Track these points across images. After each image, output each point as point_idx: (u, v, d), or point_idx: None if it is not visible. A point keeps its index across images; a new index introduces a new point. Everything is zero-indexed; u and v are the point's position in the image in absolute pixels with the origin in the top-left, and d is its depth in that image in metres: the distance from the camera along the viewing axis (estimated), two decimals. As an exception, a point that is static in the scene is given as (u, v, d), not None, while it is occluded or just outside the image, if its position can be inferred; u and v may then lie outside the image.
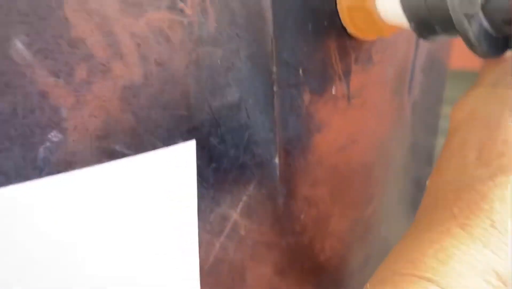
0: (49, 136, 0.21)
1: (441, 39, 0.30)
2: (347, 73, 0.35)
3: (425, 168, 0.57)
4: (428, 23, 0.29)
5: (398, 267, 0.19)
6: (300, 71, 0.31)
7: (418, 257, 0.19)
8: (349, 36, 0.34)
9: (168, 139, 0.25)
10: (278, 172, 0.32)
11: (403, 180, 0.52)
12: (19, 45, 0.19)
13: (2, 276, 0.20)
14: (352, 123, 0.38)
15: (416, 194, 0.55)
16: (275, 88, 0.29)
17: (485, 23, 0.27)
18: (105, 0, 0.20)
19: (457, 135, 0.23)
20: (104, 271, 0.24)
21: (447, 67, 0.56)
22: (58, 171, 0.21)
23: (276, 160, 0.31)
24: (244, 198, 0.30)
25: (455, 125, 0.24)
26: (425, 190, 0.24)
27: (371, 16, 0.32)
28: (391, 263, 0.20)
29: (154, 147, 0.24)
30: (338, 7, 0.33)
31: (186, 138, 0.26)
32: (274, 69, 0.29)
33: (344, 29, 0.34)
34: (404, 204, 0.54)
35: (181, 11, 0.23)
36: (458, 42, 0.28)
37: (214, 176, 0.28)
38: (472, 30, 0.26)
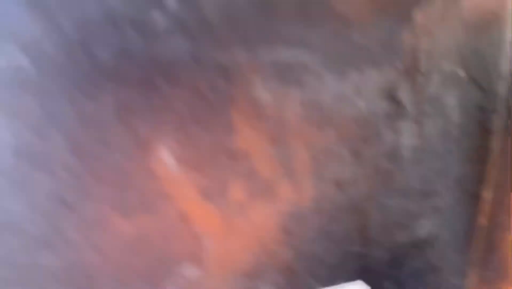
0: (181, 269, 0.15)
1: None
2: None
3: None
4: None
5: None
6: (517, 196, 0.22)
7: None
8: None
9: (331, 281, 0.18)
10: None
11: None
12: (163, 154, 0.14)
13: None
14: None
15: None
16: (481, 221, 0.21)
17: None
18: (286, 105, 0.15)
19: None
20: None
21: None
22: (185, 314, 0.16)
23: (464, 314, 0.22)
24: None
25: None
26: None
27: None
28: None
29: (310, 290, 0.18)
30: None
31: (352, 279, 0.19)
32: (485, 194, 0.20)
33: None
34: None
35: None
36: None
37: (379, 332, 0.20)
38: None
